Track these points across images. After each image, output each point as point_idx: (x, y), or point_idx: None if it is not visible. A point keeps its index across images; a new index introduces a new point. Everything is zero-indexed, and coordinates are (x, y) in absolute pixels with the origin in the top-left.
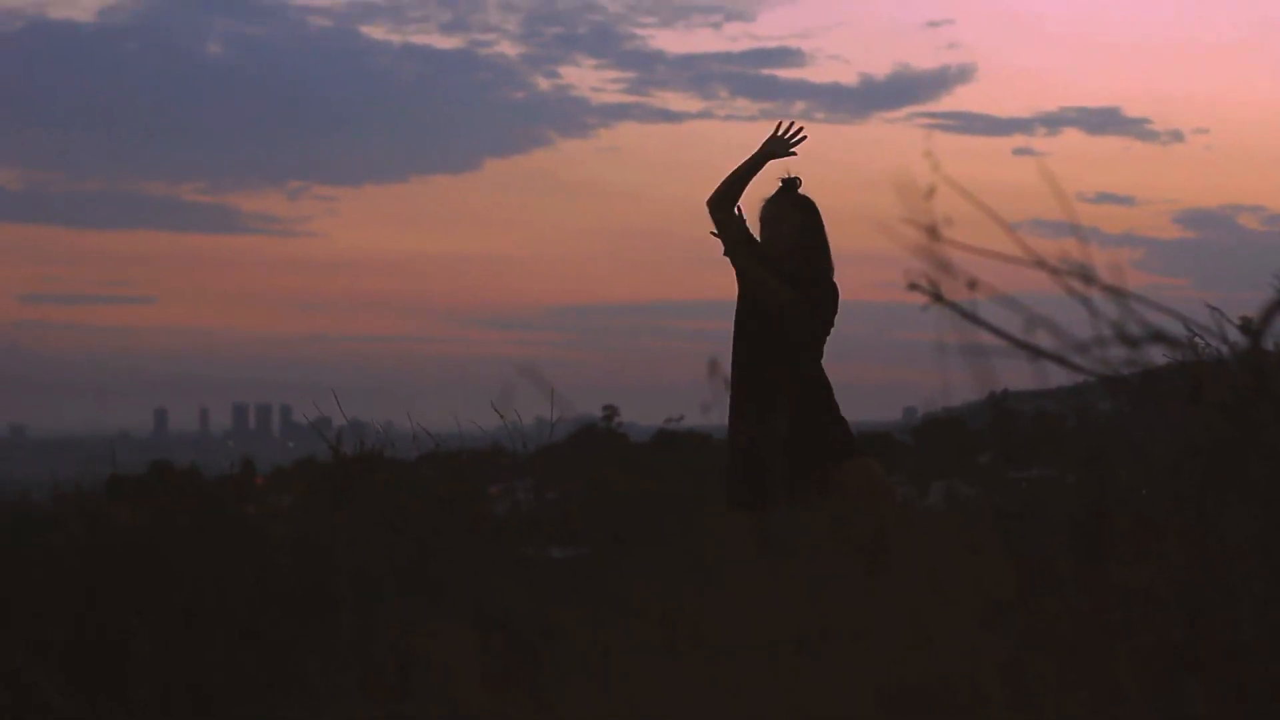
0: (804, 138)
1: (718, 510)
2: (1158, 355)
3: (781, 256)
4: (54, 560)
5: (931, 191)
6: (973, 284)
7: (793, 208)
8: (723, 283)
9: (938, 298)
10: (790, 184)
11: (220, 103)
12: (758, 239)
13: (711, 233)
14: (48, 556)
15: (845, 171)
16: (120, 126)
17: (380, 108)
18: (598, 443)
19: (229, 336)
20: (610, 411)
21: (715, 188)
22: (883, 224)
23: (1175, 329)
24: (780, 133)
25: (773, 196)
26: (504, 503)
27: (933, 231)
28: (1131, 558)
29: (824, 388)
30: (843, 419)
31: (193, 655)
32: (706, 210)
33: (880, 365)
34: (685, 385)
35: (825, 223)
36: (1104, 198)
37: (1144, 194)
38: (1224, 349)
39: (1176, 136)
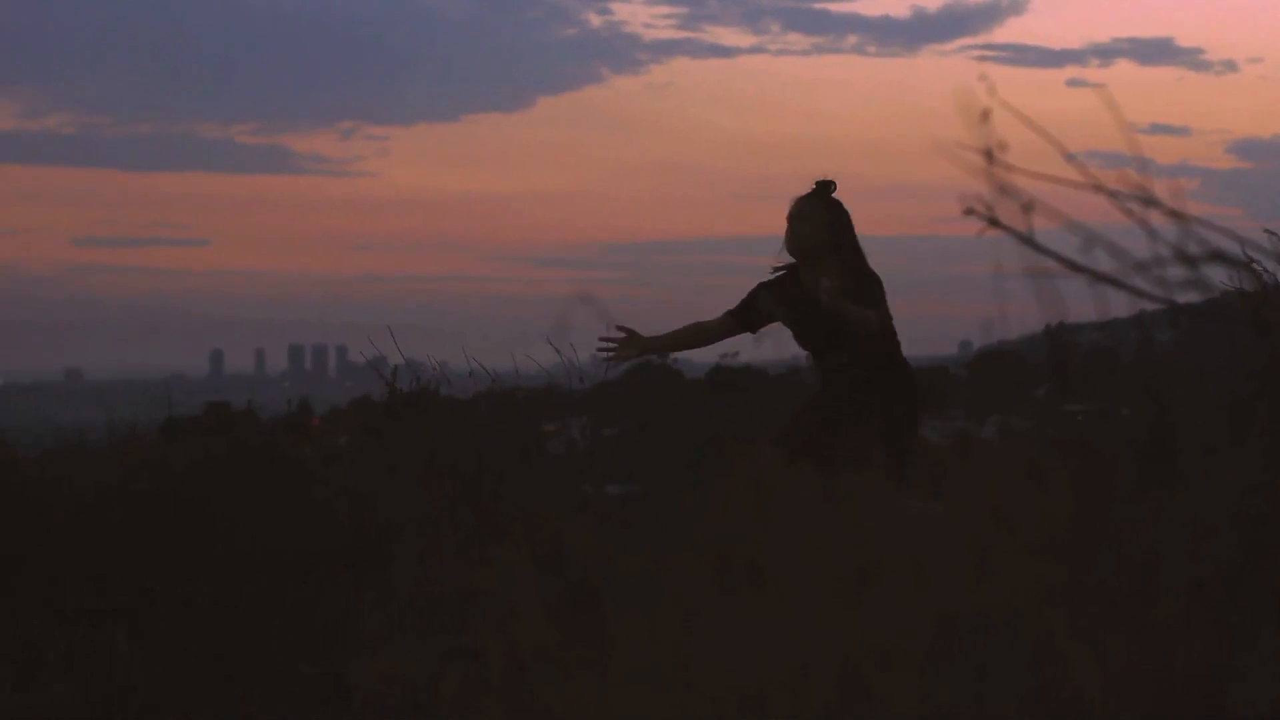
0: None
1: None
2: (1216, 278)
3: (802, 253)
4: (114, 509)
5: (988, 114)
6: (1029, 206)
7: (824, 209)
8: (773, 220)
9: (994, 222)
10: (824, 186)
11: (271, 42)
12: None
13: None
14: (106, 506)
15: (897, 105)
16: (172, 68)
17: (431, 46)
18: (653, 380)
19: (283, 277)
20: None
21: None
22: (940, 147)
23: (1235, 251)
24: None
25: (805, 195)
26: (560, 440)
27: (989, 155)
28: (1191, 486)
29: (910, 401)
30: (912, 449)
31: (254, 601)
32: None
33: (935, 299)
34: None
35: (855, 218)
36: (1157, 128)
37: (1198, 124)
38: None
39: (1230, 66)
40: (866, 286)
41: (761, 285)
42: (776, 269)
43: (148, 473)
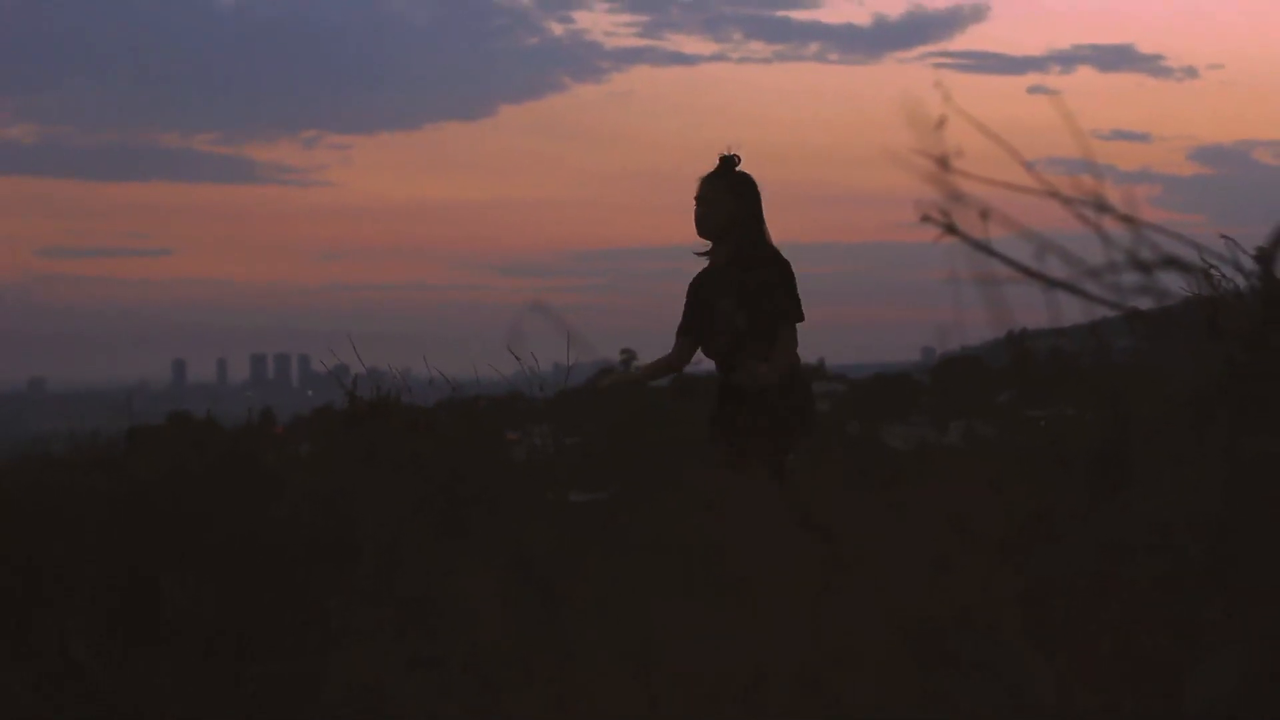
0: None
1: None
2: (1172, 283)
3: (711, 234)
4: (84, 517)
5: (942, 122)
6: (985, 214)
7: (726, 190)
8: None
9: (950, 230)
10: (728, 162)
11: (233, 52)
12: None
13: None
14: (76, 513)
15: (859, 113)
16: (134, 78)
17: (394, 55)
18: (615, 387)
19: (246, 287)
20: (628, 355)
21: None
22: (894, 155)
23: (1190, 257)
24: None
25: (709, 175)
26: (522, 448)
27: (944, 162)
28: (1150, 489)
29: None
30: (804, 418)
31: (225, 606)
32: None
33: (898, 306)
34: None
35: (764, 195)
36: (1118, 134)
37: (1159, 130)
38: (1239, 280)
39: (1191, 72)
40: (768, 277)
41: (690, 290)
42: (699, 254)
43: (115, 479)
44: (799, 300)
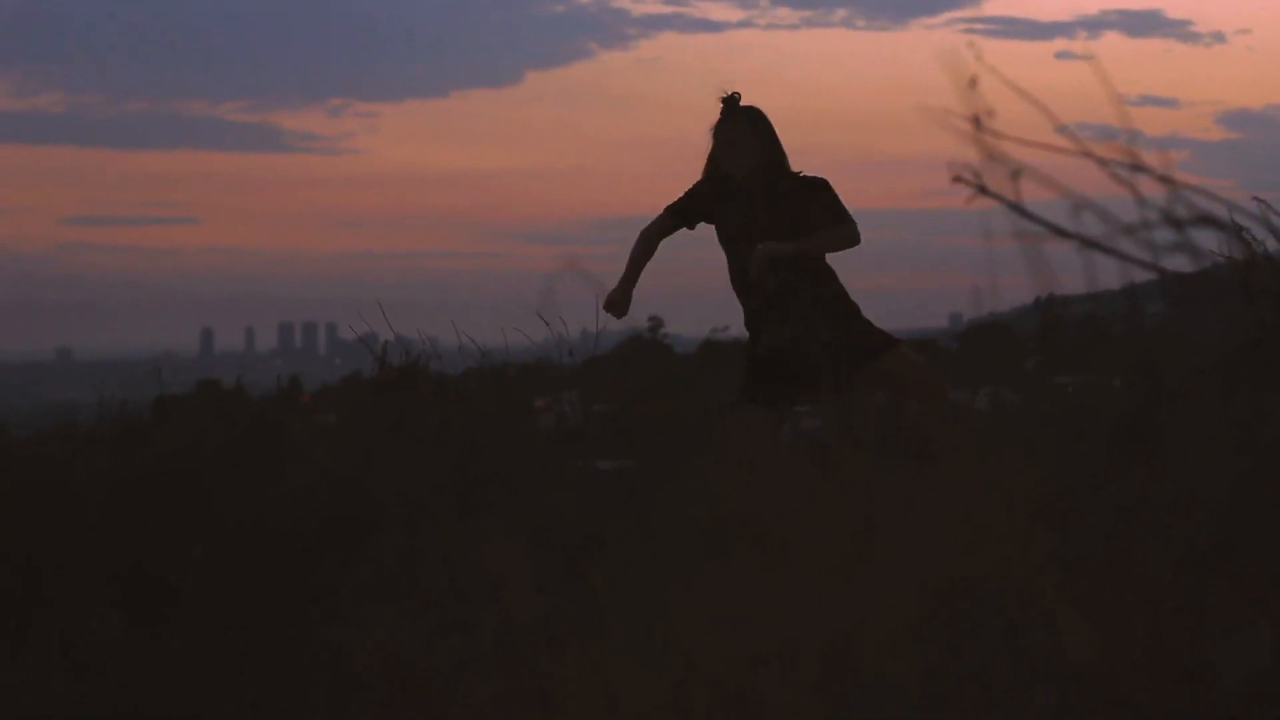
0: None
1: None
2: (1205, 242)
3: (748, 177)
4: (86, 502)
5: (975, 80)
6: (1016, 173)
7: (748, 126)
8: None
9: (982, 190)
10: (732, 100)
11: (260, 19)
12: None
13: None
14: (79, 499)
15: (885, 79)
16: (161, 46)
17: (421, 22)
18: (643, 354)
19: (273, 255)
20: (656, 322)
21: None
22: (927, 112)
23: (1223, 216)
24: None
25: (722, 119)
26: (550, 415)
27: (977, 121)
28: (1173, 461)
29: (838, 290)
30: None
31: (241, 584)
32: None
33: (925, 272)
34: (729, 294)
35: (778, 126)
36: (1146, 100)
37: (1187, 96)
38: (1270, 241)
39: (1219, 37)
40: (813, 194)
41: (705, 187)
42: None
43: (138, 454)
44: (845, 210)
